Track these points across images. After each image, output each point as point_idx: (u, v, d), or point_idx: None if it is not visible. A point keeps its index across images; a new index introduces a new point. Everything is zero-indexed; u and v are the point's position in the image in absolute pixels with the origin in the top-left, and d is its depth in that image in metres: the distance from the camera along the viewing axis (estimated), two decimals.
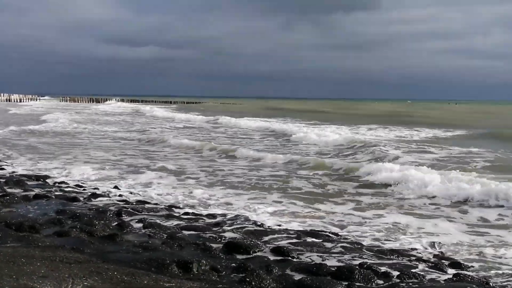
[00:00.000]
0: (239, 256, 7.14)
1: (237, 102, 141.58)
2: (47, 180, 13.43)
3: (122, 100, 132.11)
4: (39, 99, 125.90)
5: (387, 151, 20.99)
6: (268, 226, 9.22)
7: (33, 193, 11.11)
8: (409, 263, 7.24)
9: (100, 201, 10.82)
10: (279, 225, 9.34)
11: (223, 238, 8.05)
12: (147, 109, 68.70)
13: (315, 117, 55.24)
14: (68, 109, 72.88)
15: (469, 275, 6.74)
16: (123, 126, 38.80)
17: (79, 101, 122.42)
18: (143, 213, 9.78)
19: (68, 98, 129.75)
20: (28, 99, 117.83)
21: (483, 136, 30.42)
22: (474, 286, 6.28)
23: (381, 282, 6.30)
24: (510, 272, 7.11)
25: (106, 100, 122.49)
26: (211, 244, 7.52)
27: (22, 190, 11.51)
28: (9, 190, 11.24)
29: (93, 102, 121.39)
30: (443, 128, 37.36)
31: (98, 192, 11.87)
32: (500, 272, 7.13)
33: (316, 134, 28.86)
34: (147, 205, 10.69)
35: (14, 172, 14.68)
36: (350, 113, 69.47)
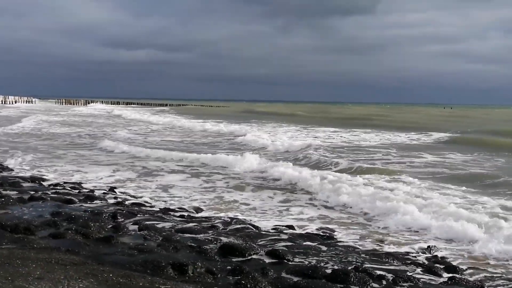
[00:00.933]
0: (234, 259, 7.13)
1: (225, 104, 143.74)
2: (42, 182, 13.41)
3: (117, 103, 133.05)
4: (35, 101, 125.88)
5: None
6: (264, 229, 9.23)
7: (28, 195, 11.09)
8: (404, 267, 7.26)
9: (95, 203, 10.81)
10: (275, 228, 9.36)
11: (219, 241, 8.04)
12: (119, 112, 70.85)
13: (283, 120, 56.75)
14: (49, 111, 73.54)
15: (464, 278, 6.77)
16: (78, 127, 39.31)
17: (75, 103, 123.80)
18: (138, 215, 9.77)
19: (64, 100, 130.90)
20: (24, 101, 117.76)
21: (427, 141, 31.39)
22: None
23: (376, 285, 6.32)
24: (506, 276, 7.14)
25: (90, 103, 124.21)
26: (207, 247, 7.52)
27: (17, 192, 11.49)
28: (4, 192, 11.21)
29: (89, 103, 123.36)
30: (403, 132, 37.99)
31: (93, 194, 11.85)
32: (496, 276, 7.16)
33: (256, 137, 29.72)
34: (142, 208, 10.69)
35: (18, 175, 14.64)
36: (325, 116, 70.12)
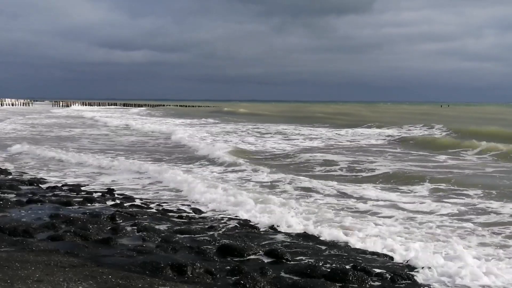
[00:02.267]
0: (233, 259, 7.15)
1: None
2: (40, 185, 13.41)
3: (114, 104, 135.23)
4: (32, 103, 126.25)
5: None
6: (262, 229, 9.24)
7: (26, 197, 11.09)
8: (403, 265, 7.27)
9: (94, 206, 10.82)
10: (273, 228, 9.36)
11: (217, 241, 8.05)
12: (91, 114, 71.50)
13: (238, 119, 60.48)
14: (29, 113, 75.14)
15: None
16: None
17: (71, 105, 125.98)
18: (137, 216, 9.77)
19: (62, 102, 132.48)
20: (21, 103, 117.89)
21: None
22: (467, 287, 6.34)
23: (374, 283, 6.34)
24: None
25: (72, 105, 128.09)
26: (205, 247, 7.53)
27: (15, 195, 11.49)
28: (2, 195, 11.21)
29: (85, 105, 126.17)
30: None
31: (91, 196, 11.85)
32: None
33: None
34: (140, 209, 10.69)
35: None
36: (286, 115, 71.75)
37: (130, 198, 12.02)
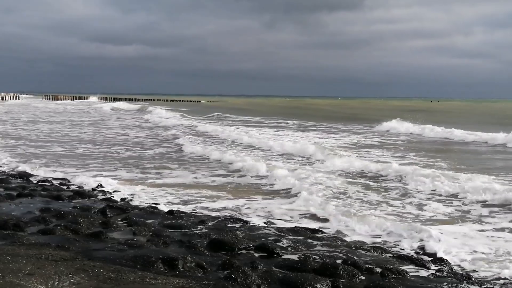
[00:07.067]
0: (224, 253, 7.17)
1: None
2: (30, 179, 13.35)
3: (105, 99, 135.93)
4: (21, 97, 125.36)
5: None
6: (253, 223, 9.27)
7: (16, 191, 11.04)
8: (393, 259, 7.33)
9: (84, 200, 10.80)
10: (264, 222, 9.40)
11: (208, 235, 8.06)
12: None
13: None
14: None
15: (451, 270, 6.85)
16: None
17: (62, 99, 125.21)
18: (127, 211, 9.77)
19: (52, 96, 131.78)
20: (11, 97, 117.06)
21: None
22: (456, 280, 6.40)
23: (365, 278, 6.38)
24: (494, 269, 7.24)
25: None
26: (196, 241, 7.55)
27: (4, 189, 11.43)
28: None
29: (76, 99, 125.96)
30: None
31: (82, 190, 11.83)
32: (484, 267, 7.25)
33: None
34: (131, 203, 10.69)
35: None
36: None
37: (120, 192, 11.99)
